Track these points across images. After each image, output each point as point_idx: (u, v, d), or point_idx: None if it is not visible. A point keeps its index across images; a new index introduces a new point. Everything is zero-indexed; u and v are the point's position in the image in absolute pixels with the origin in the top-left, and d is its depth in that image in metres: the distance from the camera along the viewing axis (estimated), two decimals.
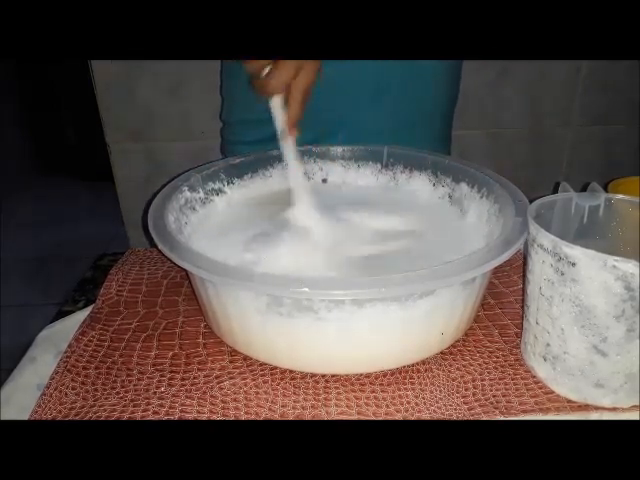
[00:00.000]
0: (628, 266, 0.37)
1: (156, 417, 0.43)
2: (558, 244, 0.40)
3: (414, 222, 0.58)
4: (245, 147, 0.75)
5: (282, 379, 0.46)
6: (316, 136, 0.66)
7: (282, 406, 0.44)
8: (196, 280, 0.48)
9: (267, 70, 0.53)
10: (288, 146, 0.58)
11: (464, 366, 0.47)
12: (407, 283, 0.40)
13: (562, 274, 0.40)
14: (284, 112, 0.55)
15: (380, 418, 0.43)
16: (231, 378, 0.46)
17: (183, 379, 0.46)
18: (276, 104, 0.55)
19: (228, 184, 0.62)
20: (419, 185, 0.64)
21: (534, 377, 0.46)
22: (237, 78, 0.77)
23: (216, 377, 0.47)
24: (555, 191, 0.47)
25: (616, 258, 0.37)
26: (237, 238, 0.54)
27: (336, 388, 0.45)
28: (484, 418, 0.42)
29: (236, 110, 0.81)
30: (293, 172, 0.58)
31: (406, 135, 0.70)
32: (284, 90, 0.54)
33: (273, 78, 0.53)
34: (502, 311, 0.54)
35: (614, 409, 0.43)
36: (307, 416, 0.43)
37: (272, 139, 0.74)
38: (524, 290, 0.47)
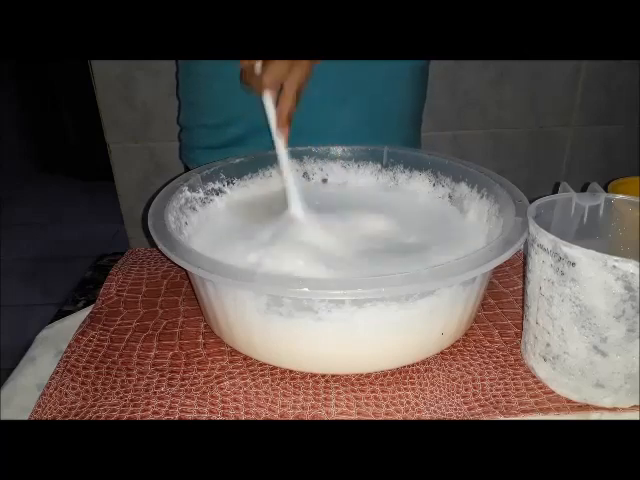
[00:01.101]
0: (628, 266, 0.37)
1: (156, 417, 0.43)
2: (558, 244, 0.40)
3: (414, 222, 0.58)
4: (205, 152, 0.74)
5: (282, 379, 0.46)
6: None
7: (282, 406, 0.44)
8: (196, 280, 0.48)
9: (259, 66, 0.53)
10: (279, 143, 0.57)
11: (464, 366, 0.47)
12: (407, 283, 0.40)
13: (562, 274, 0.40)
14: (276, 109, 0.54)
15: (380, 418, 0.43)
16: (231, 378, 0.46)
17: (183, 379, 0.46)
18: (268, 101, 0.54)
19: (228, 184, 0.62)
20: (419, 185, 0.64)
21: (534, 377, 0.46)
22: (195, 80, 0.74)
23: (216, 377, 0.47)
24: (555, 191, 0.47)
25: (616, 258, 0.37)
26: (237, 238, 0.54)
27: (336, 388, 0.45)
28: (484, 418, 0.42)
29: (195, 114, 0.77)
30: (285, 170, 0.57)
31: (373, 137, 0.69)
32: (277, 86, 0.53)
33: (266, 74, 0.52)
34: (502, 311, 0.54)
35: (614, 409, 0.43)
36: (307, 416, 0.43)
37: (233, 144, 0.73)
38: (524, 290, 0.47)
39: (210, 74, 0.71)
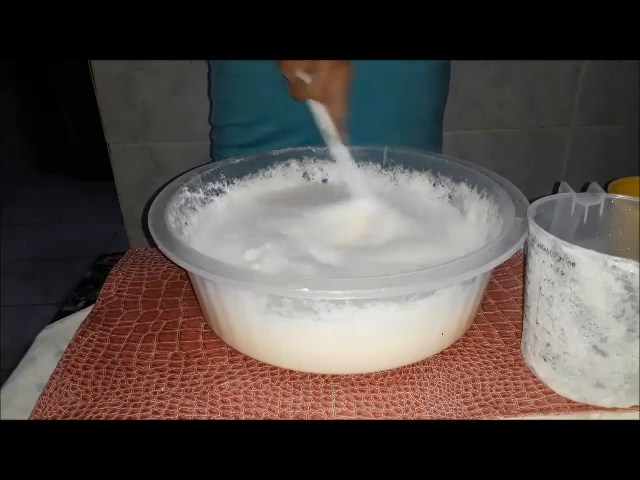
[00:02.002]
0: (628, 266, 0.37)
1: (156, 417, 0.43)
2: (558, 244, 0.40)
3: (414, 222, 0.58)
4: (236, 150, 0.74)
5: (282, 379, 0.46)
6: (307, 138, 0.65)
7: (282, 406, 0.44)
8: (196, 280, 0.48)
9: (302, 73, 0.54)
10: (339, 148, 0.58)
11: (464, 366, 0.47)
12: (407, 283, 0.40)
13: (562, 274, 0.40)
14: (327, 115, 0.56)
15: (380, 418, 0.43)
16: (231, 378, 0.46)
17: (183, 379, 0.46)
18: (317, 107, 0.56)
19: (228, 184, 0.62)
20: (419, 185, 0.64)
21: (534, 377, 0.46)
22: (226, 80, 0.76)
23: (216, 377, 0.47)
24: (555, 191, 0.47)
25: (616, 258, 0.37)
26: (237, 238, 0.54)
27: (336, 388, 0.45)
28: (484, 418, 0.42)
29: (226, 113, 0.79)
30: (350, 174, 0.58)
31: (396, 136, 0.69)
32: (323, 92, 0.54)
33: (313, 84, 0.54)
34: (502, 311, 0.54)
35: (614, 409, 0.43)
36: (307, 416, 0.43)
37: (263, 142, 0.74)
38: (524, 290, 0.47)
39: (242, 74, 0.72)
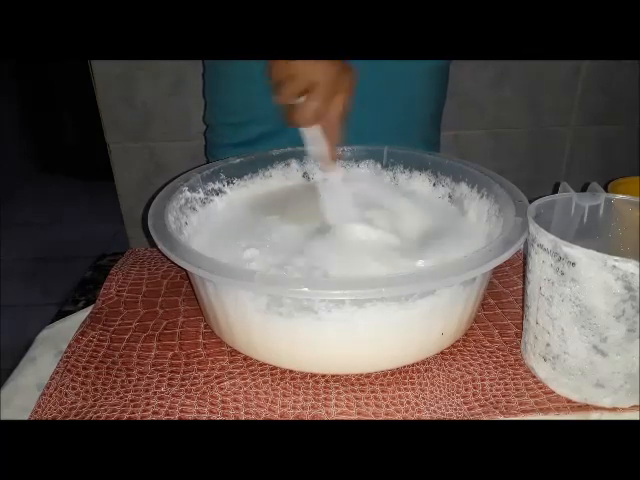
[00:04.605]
0: (628, 266, 0.37)
1: (156, 417, 0.43)
2: (558, 244, 0.40)
3: (414, 222, 0.58)
4: (229, 149, 0.74)
5: (282, 379, 0.46)
6: (296, 139, 0.65)
7: (282, 406, 0.44)
8: (196, 280, 0.48)
9: (299, 100, 0.53)
10: (334, 176, 0.57)
11: (464, 366, 0.47)
12: (407, 283, 0.40)
13: (562, 274, 0.40)
14: (322, 142, 0.55)
15: (380, 418, 0.43)
16: (231, 378, 0.46)
17: (183, 379, 0.46)
18: (311, 135, 0.55)
19: (228, 184, 0.62)
20: (419, 185, 0.64)
21: (534, 377, 0.46)
22: (220, 80, 0.76)
23: (216, 377, 0.47)
24: (555, 191, 0.47)
25: (616, 258, 0.37)
26: (237, 238, 0.54)
27: (336, 388, 0.45)
28: (484, 418, 0.42)
29: (219, 113, 0.80)
30: (335, 204, 0.58)
31: (392, 138, 0.69)
32: (318, 121, 0.53)
33: (306, 109, 0.52)
34: (502, 311, 0.54)
35: (614, 409, 0.43)
36: (307, 416, 0.43)
37: (256, 141, 0.74)
38: (524, 290, 0.47)
39: (237, 75, 0.72)
